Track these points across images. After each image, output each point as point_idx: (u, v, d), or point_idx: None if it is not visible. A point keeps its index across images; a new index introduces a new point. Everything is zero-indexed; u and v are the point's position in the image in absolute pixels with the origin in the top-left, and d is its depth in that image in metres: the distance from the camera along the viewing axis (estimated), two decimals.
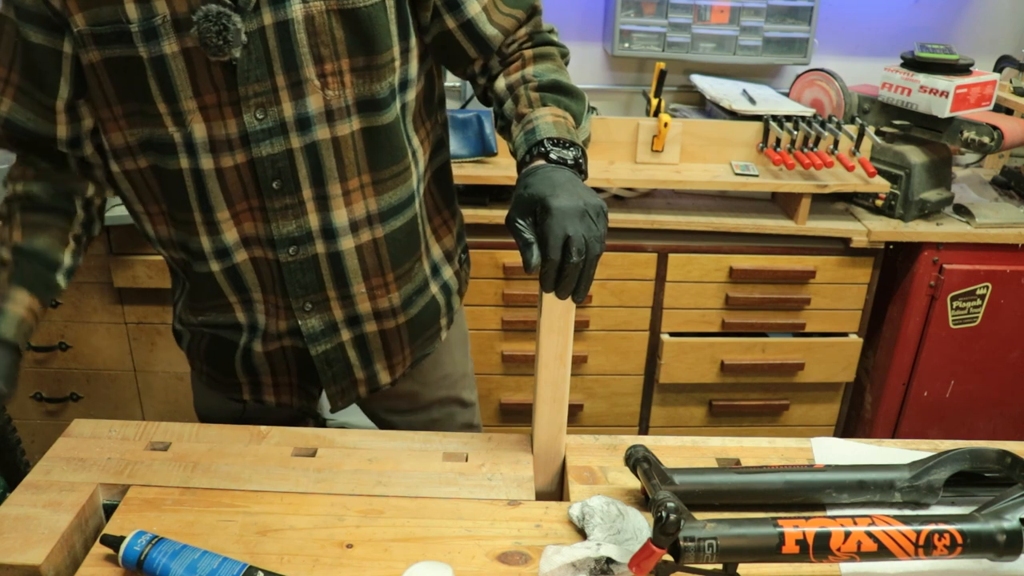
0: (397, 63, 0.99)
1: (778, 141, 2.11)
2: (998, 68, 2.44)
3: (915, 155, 2.13)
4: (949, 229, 2.11)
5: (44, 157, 1.04)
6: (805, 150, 2.09)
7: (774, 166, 2.08)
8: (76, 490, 0.98)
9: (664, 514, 0.76)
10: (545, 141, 0.94)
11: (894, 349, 2.23)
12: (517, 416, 2.28)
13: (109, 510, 0.98)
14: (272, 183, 0.98)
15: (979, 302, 2.16)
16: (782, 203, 2.20)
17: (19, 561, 0.87)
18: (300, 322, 1.08)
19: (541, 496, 1.02)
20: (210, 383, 1.20)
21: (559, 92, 1.02)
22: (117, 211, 1.75)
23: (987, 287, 2.14)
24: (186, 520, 0.93)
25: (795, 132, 2.09)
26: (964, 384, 2.27)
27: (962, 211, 2.16)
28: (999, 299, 2.16)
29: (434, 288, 1.18)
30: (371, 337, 1.13)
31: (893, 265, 2.21)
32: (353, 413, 1.35)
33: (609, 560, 0.84)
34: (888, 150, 2.16)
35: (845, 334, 2.23)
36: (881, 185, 2.07)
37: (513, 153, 1.00)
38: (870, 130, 2.08)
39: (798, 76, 2.42)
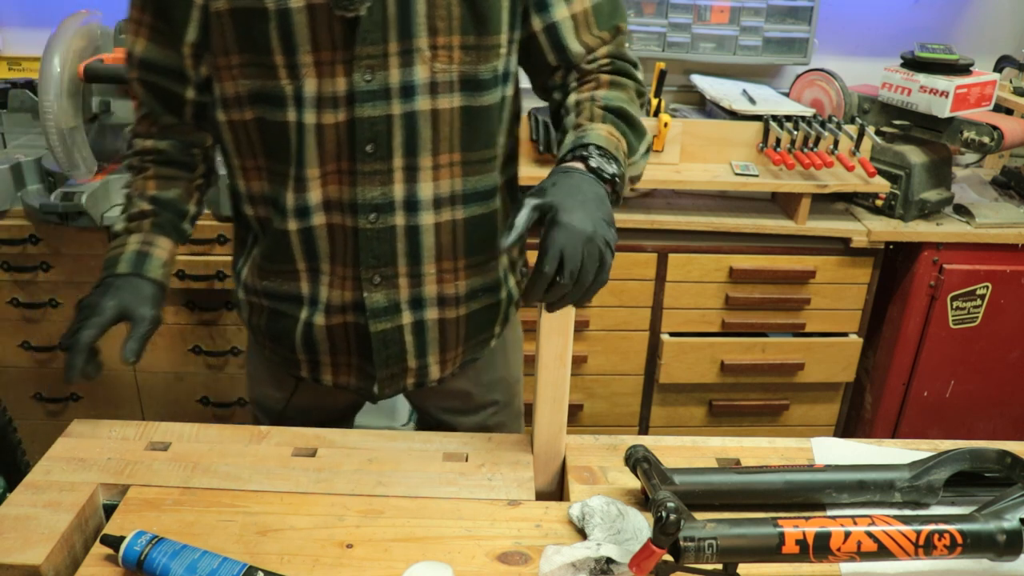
0: (503, 50, 1.02)
1: (778, 141, 2.11)
2: (998, 68, 2.44)
3: (915, 155, 2.13)
4: (949, 229, 2.11)
5: (168, 108, 1.11)
6: (805, 150, 2.09)
7: (774, 166, 2.08)
8: (76, 490, 0.98)
9: (664, 514, 0.76)
10: (592, 146, 0.96)
11: (894, 349, 2.23)
12: None
13: (109, 510, 0.98)
14: (366, 146, 1.01)
15: (979, 302, 2.16)
16: (782, 203, 2.19)
17: (19, 561, 0.87)
18: (365, 294, 1.09)
19: (541, 496, 1.02)
20: (272, 356, 1.22)
21: (623, 119, 1.03)
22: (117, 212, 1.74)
23: (987, 287, 2.14)
24: (186, 520, 0.93)
25: (795, 132, 2.09)
26: (964, 384, 2.27)
27: (962, 211, 2.16)
28: (999, 299, 2.16)
29: (502, 293, 1.19)
30: (430, 325, 1.14)
31: (893, 265, 2.21)
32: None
33: (609, 560, 0.84)
34: (888, 150, 2.16)
35: (845, 334, 2.23)
36: (881, 185, 2.07)
37: (558, 160, 1.00)
38: (870, 130, 2.08)
39: (798, 76, 2.42)
